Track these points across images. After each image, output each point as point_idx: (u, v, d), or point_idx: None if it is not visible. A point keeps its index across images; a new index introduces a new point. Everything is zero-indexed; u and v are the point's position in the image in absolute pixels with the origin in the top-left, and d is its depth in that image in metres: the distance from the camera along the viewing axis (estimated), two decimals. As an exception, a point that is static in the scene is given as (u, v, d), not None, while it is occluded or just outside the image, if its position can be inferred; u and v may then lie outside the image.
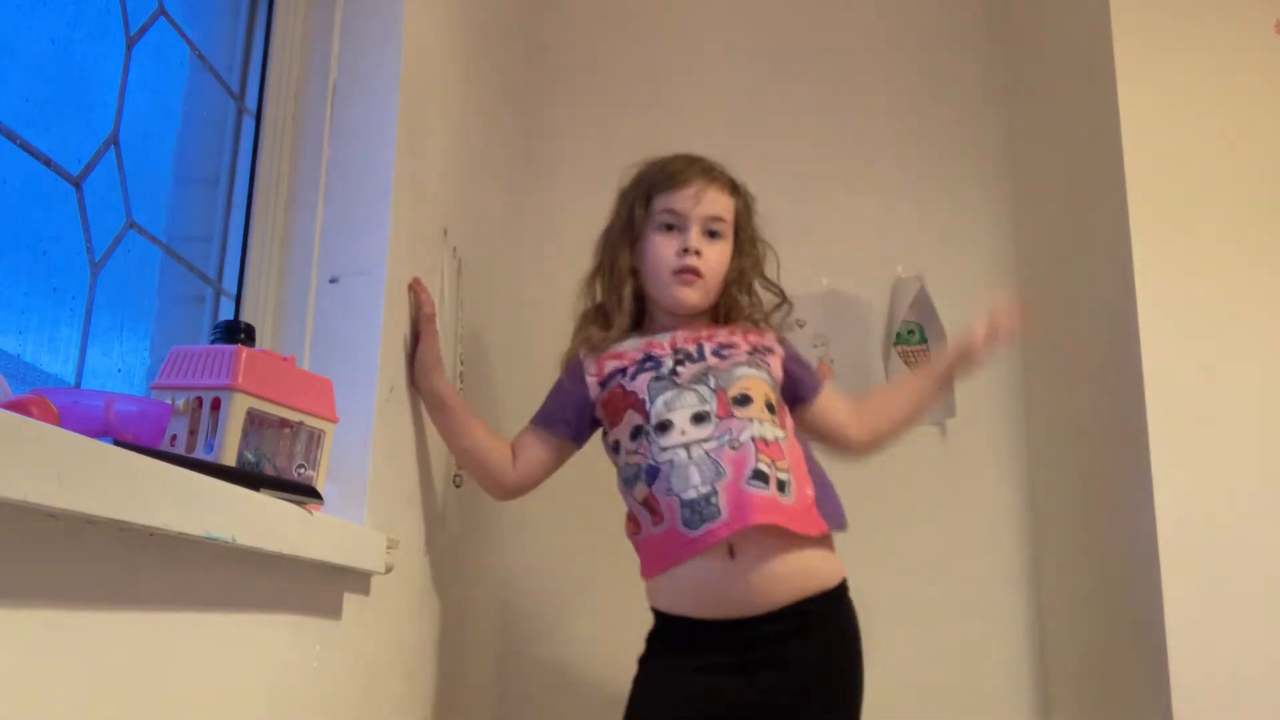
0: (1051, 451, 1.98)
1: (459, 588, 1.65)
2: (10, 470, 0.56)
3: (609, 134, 2.24)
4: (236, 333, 0.95)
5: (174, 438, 0.89)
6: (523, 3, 2.23)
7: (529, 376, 2.08)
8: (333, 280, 1.28)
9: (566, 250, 2.20)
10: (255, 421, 0.93)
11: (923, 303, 2.08)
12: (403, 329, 1.35)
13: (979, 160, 2.19)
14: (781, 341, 1.44)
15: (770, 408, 1.33)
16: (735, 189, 1.44)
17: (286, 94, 1.33)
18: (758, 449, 1.27)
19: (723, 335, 1.39)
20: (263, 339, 1.23)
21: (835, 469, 1.43)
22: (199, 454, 0.88)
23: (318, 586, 1.08)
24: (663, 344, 1.38)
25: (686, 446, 1.27)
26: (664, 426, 1.29)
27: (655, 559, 1.31)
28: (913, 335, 2.10)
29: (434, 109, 1.51)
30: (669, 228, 1.39)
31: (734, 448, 1.27)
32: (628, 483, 1.33)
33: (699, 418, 1.29)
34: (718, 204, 1.40)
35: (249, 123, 1.33)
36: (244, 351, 0.92)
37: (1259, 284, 1.64)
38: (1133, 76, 1.70)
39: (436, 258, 1.50)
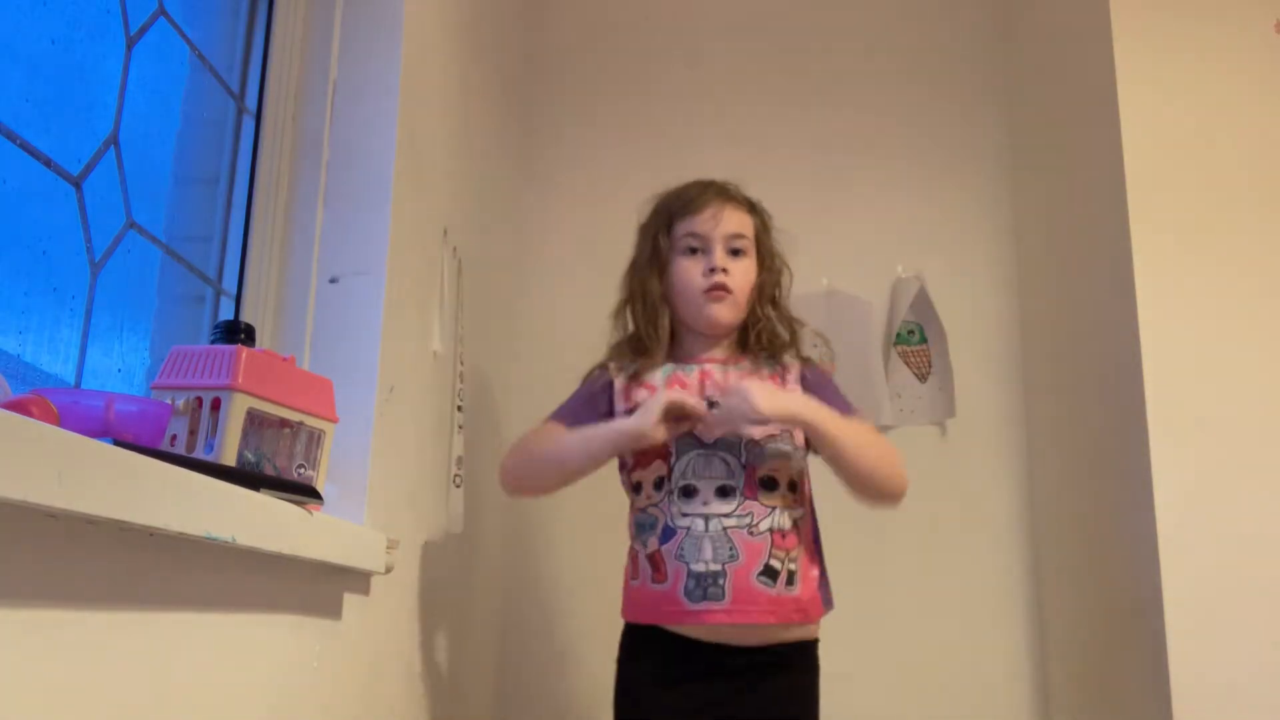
0: (1051, 451, 1.98)
1: (459, 588, 1.66)
2: (10, 470, 0.56)
3: (609, 134, 2.25)
4: (236, 333, 0.95)
5: (174, 438, 0.89)
6: (522, 3, 2.23)
7: (529, 376, 2.08)
8: (333, 280, 1.28)
9: (566, 250, 2.21)
10: (255, 421, 0.93)
11: (923, 303, 2.08)
12: (403, 329, 1.35)
13: (979, 160, 2.19)
14: (804, 379, 1.41)
15: (793, 487, 1.33)
16: (752, 207, 1.45)
17: (286, 94, 1.33)
18: (773, 542, 1.29)
19: (748, 370, 1.38)
20: (263, 339, 1.23)
21: (828, 473, 1.41)
22: (199, 454, 0.89)
23: (318, 586, 1.08)
24: (688, 381, 1.37)
25: (706, 518, 1.29)
26: (688, 492, 1.30)
27: (646, 612, 1.33)
28: (913, 335, 2.10)
29: (434, 109, 1.51)
30: (693, 250, 1.40)
31: (752, 534, 1.28)
32: (641, 529, 1.34)
33: (724, 491, 1.30)
34: (736, 222, 1.41)
35: (249, 123, 1.33)
36: (244, 351, 0.92)
37: (1259, 283, 1.64)
38: (1133, 76, 1.70)
39: (436, 258, 1.50)
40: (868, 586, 1.79)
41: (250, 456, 0.93)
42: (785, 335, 1.44)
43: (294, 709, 1.01)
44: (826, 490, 1.39)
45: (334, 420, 1.05)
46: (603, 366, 1.44)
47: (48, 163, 0.93)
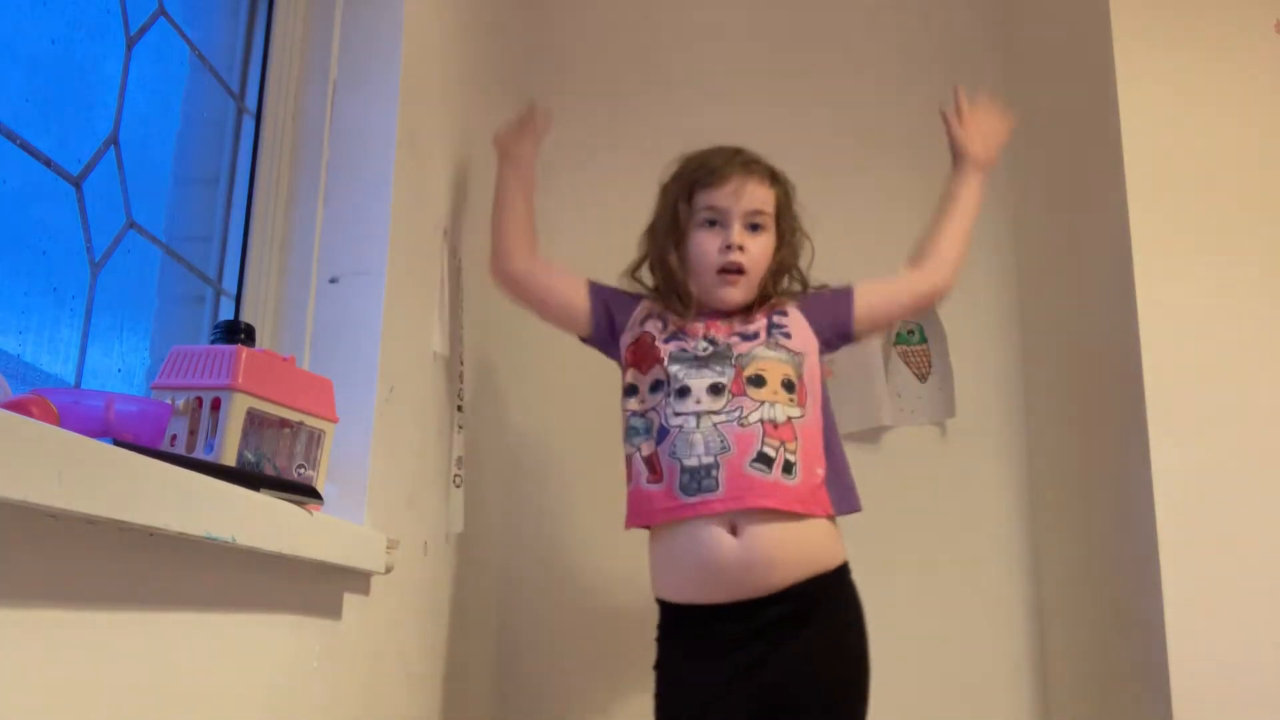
0: (1051, 451, 1.98)
1: (459, 588, 1.65)
2: (10, 470, 0.56)
3: (609, 133, 2.24)
4: (236, 333, 0.95)
5: (174, 438, 0.89)
6: (523, 3, 2.23)
7: (529, 376, 2.08)
8: (333, 280, 1.28)
9: (566, 250, 2.20)
10: (255, 421, 0.93)
11: (923, 303, 2.08)
12: (403, 329, 1.35)
13: (979, 160, 2.18)
14: (796, 298, 1.45)
15: (789, 386, 1.35)
16: (775, 178, 1.46)
17: (286, 94, 1.33)
18: (765, 431, 1.30)
19: (742, 322, 1.42)
20: (263, 339, 1.23)
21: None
22: (199, 454, 0.88)
23: (318, 586, 1.08)
24: (696, 329, 1.41)
25: (698, 415, 1.31)
26: (683, 392, 1.33)
27: (642, 513, 1.34)
28: (913, 335, 2.10)
29: (434, 109, 1.51)
30: (711, 223, 1.41)
31: (742, 425, 1.30)
32: (636, 433, 1.36)
33: (715, 389, 1.33)
34: (758, 196, 1.42)
35: (249, 123, 1.33)
36: (244, 351, 0.92)
37: (1259, 283, 1.64)
38: (1133, 76, 1.70)
39: (436, 258, 1.50)
40: (867, 586, 1.79)
41: (250, 456, 0.93)
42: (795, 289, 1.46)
43: (294, 709, 1.01)
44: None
45: (334, 420, 1.05)
46: (638, 298, 1.48)
47: (48, 163, 0.93)
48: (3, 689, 0.60)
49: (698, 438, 1.30)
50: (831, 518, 1.35)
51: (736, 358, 1.36)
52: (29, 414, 0.72)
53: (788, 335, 1.39)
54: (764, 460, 1.29)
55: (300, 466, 1.01)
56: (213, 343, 0.95)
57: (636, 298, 1.48)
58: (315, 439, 1.03)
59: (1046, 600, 1.97)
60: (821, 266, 2.12)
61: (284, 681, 1.00)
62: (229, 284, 1.27)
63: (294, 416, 0.98)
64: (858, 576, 1.38)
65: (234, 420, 0.90)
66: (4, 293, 0.89)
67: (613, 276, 2.20)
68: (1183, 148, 1.68)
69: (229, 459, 0.89)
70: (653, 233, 1.48)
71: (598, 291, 1.49)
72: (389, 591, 1.29)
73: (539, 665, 2.00)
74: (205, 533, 0.77)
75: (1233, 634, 1.51)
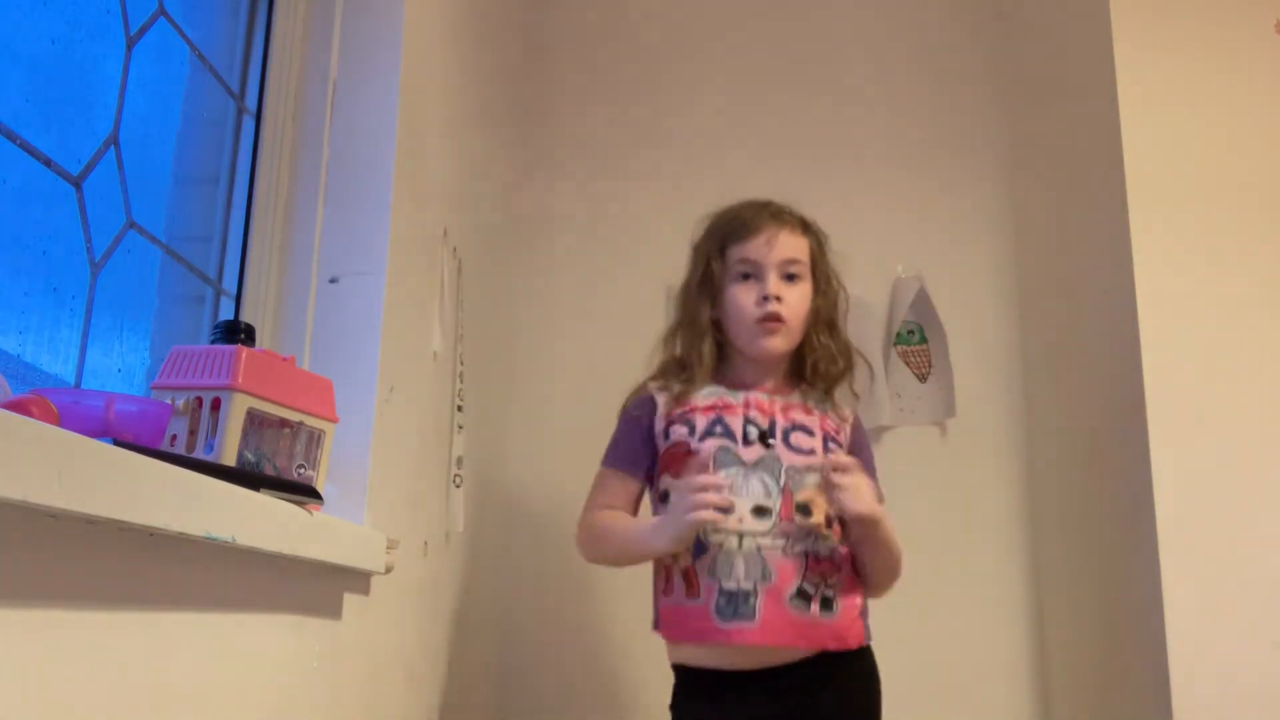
0: (1051, 452, 1.98)
1: (459, 588, 1.66)
2: (10, 470, 0.56)
3: (609, 133, 2.24)
4: (236, 333, 0.95)
5: (174, 438, 0.89)
6: (523, 3, 2.23)
7: (529, 376, 2.09)
8: (333, 280, 1.28)
9: (566, 250, 2.20)
10: (255, 421, 0.93)
11: (923, 303, 2.08)
12: (403, 329, 1.35)
13: (979, 160, 2.19)
14: (853, 441, 1.42)
15: (830, 522, 1.32)
16: (807, 228, 1.43)
17: (286, 94, 1.33)
18: (807, 565, 1.28)
19: (798, 411, 1.37)
20: (263, 339, 1.23)
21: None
22: (199, 454, 0.89)
23: (318, 586, 1.08)
24: (735, 406, 1.36)
25: (740, 536, 1.28)
26: (724, 509, 1.27)
27: (679, 629, 1.32)
28: (913, 335, 2.10)
29: (434, 109, 1.51)
30: (746, 276, 1.39)
31: (786, 555, 1.27)
32: None
33: (760, 511, 1.29)
34: (791, 246, 1.39)
35: (249, 123, 1.33)
36: (244, 351, 0.92)
37: (1259, 283, 1.64)
38: (1133, 76, 1.70)
39: (436, 258, 1.50)
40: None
41: (250, 456, 0.93)
42: (841, 365, 1.42)
43: (294, 709, 1.01)
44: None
45: (334, 420, 1.05)
46: (642, 387, 1.43)
47: (48, 163, 0.93)
48: (3, 689, 0.60)
49: (739, 560, 1.26)
50: (863, 645, 1.34)
51: (786, 474, 1.31)
52: (29, 414, 0.72)
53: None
54: (803, 596, 1.26)
55: (300, 466, 1.01)
56: (213, 343, 0.95)
57: (647, 402, 1.41)
58: (315, 439, 1.03)
59: (1046, 600, 1.97)
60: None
61: (284, 681, 1.00)
62: (229, 284, 1.27)
63: (294, 416, 0.98)
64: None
65: (234, 420, 0.90)
66: (4, 293, 0.89)
67: (612, 276, 2.21)
68: (1183, 148, 1.68)
69: (229, 459, 0.89)
70: (685, 292, 1.45)
71: (633, 460, 1.41)
72: (389, 591, 1.29)
73: (539, 665, 2.00)
74: (205, 533, 0.77)
75: (1233, 634, 1.51)
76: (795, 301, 1.38)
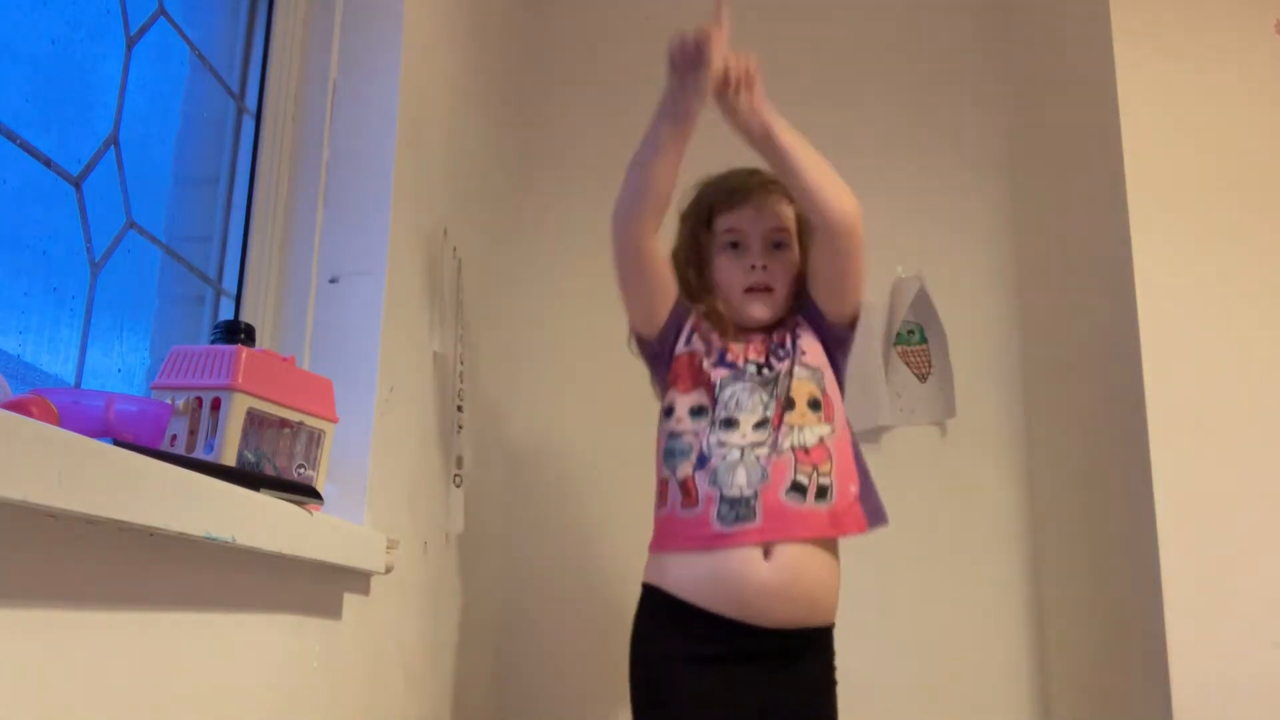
0: (1051, 451, 1.98)
1: (459, 588, 1.66)
2: (10, 470, 0.56)
3: (609, 132, 2.24)
4: (236, 333, 0.95)
5: (174, 438, 0.89)
6: (523, 2, 2.23)
7: (529, 376, 2.09)
8: (333, 280, 1.28)
9: (566, 249, 2.20)
10: (255, 421, 0.93)
11: (923, 303, 2.08)
12: (403, 329, 1.35)
13: (979, 160, 2.19)
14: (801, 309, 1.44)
15: (815, 404, 1.34)
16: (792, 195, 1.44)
17: (286, 94, 1.33)
18: (797, 458, 1.30)
19: (775, 338, 1.40)
20: (263, 339, 1.23)
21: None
22: (199, 454, 0.89)
23: (318, 586, 1.08)
24: (739, 352, 1.39)
25: (742, 449, 1.30)
26: (729, 423, 1.32)
27: (674, 538, 1.32)
28: (913, 335, 2.10)
29: (434, 109, 1.51)
30: (734, 245, 1.41)
31: (777, 453, 1.30)
32: (671, 456, 1.34)
33: (760, 424, 1.32)
34: (778, 214, 1.41)
35: (249, 123, 1.33)
36: (244, 351, 0.92)
37: (1259, 283, 1.64)
38: (1133, 76, 1.70)
39: (436, 258, 1.50)
40: (867, 586, 1.79)
41: (250, 456, 0.93)
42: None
43: (294, 709, 1.01)
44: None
45: (334, 420, 1.05)
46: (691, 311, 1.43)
47: (48, 163, 0.93)
48: (3, 689, 0.60)
49: (741, 470, 1.29)
50: (863, 531, 1.34)
51: (780, 384, 1.35)
52: (29, 414, 0.72)
53: (803, 352, 1.38)
54: (798, 489, 1.29)
55: (300, 466, 1.01)
56: (213, 343, 0.95)
57: (687, 309, 1.44)
58: (315, 439, 1.03)
59: (1046, 600, 1.97)
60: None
61: (284, 681, 1.00)
62: (229, 284, 1.27)
63: (294, 416, 0.98)
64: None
65: (234, 420, 0.90)
66: (4, 293, 0.90)
67: (613, 276, 2.20)
68: (1183, 148, 1.68)
69: (229, 459, 0.89)
70: (675, 259, 1.46)
71: (679, 303, 1.42)
72: (389, 591, 1.29)
73: (539, 665, 2.00)
74: (205, 533, 0.77)
75: (1233, 634, 1.51)
76: (781, 269, 1.40)
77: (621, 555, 2.03)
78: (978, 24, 2.25)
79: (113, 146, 1.04)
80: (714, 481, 1.29)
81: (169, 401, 0.90)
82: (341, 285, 1.28)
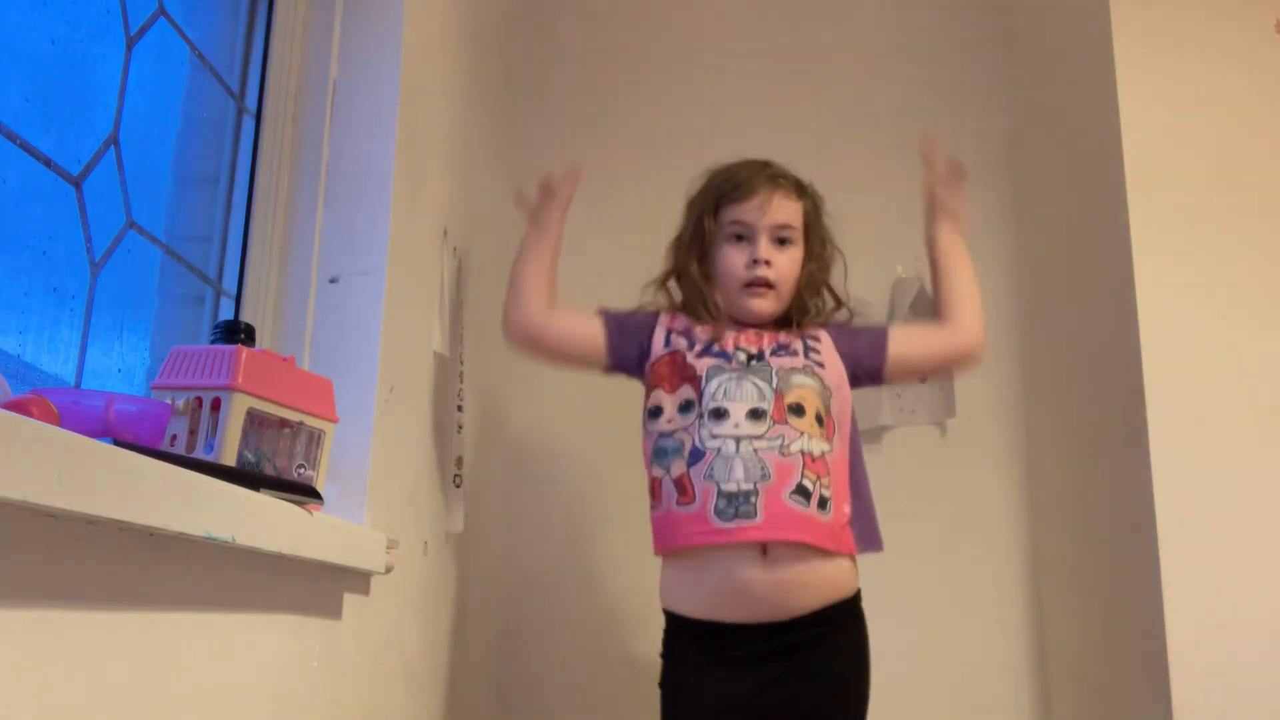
0: (1051, 451, 1.98)
1: (459, 588, 1.66)
2: (10, 470, 0.56)
3: (609, 132, 2.24)
4: (236, 333, 0.95)
5: (174, 438, 0.89)
6: (523, 2, 2.23)
7: (529, 376, 2.08)
8: (333, 280, 1.28)
9: (566, 249, 2.20)
10: (255, 421, 0.93)
11: (923, 303, 2.08)
12: (403, 329, 1.35)
13: (979, 161, 2.18)
14: (828, 326, 1.44)
15: (820, 420, 1.33)
16: (803, 191, 1.44)
17: (286, 94, 1.33)
18: (804, 463, 1.28)
19: (781, 336, 1.40)
20: (263, 339, 1.23)
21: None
22: (199, 454, 0.89)
23: (318, 586, 1.08)
24: (727, 339, 1.38)
25: (737, 439, 1.28)
26: (719, 414, 1.30)
27: (672, 537, 1.31)
28: (913, 335, 2.10)
29: (434, 108, 1.51)
30: (738, 238, 1.40)
31: (783, 454, 1.28)
32: (663, 454, 1.33)
33: (755, 414, 1.30)
34: (785, 210, 1.40)
35: (249, 123, 1.33)
36: (244, 351, 0.92)
37: (1259, 284, 1.64)
38: (1133, 76, 1.70)
39: (436, 258, 1.50)
40: (867, 586, 1.79)
41: (250, 456, 0.93)
42: (829, 309, 1.45)
43: (294, 709, 1.01)
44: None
45: (334, 420, 1.05)
46: (658, 313, 1.45)
47: (48, 163, 0.93)
48: (3, 689, 0.60)
49: (738, 462, 1.27)
50: (853, 557, 1.35)
51: (776, 376, 1.33)
52: (29, 414, 0.72)
53: (821, 365, 1.37)
54: (802, 493, 1.27)
55: (300, 466, 1.01)
56: (213, 343, 0.95)
57: (653, 315, 1.45)
58: (315, 439, 1.03)
59: (1046, 600, 1.97)
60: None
61: (284, 681, 1.00)
62: (229, 284, 1.27)
63: (294, 416, 0.98)
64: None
65: (234, 420, 0.90)
66: (4, 293, 0.90)
67: (612, 276, 2.21)
68: (1183, 147, 1.68)
69: (229, 459, 0.89)
70: (678, 246, 1.47)
71: (610, 319, 1.44)
72: (389, 591, 1.29)
73: (539, 665, 2.00)
74: (205, 533, 0.77)
75: (1233, 634, 1.51)
76: (785, 265, 1.40)
77: (621, 555, 2.03)
78: (978, 24, 2.25)
79: (113, 146, 1.04)
80: (710, 475, 1.27)
81: (169, 401, 0.90)
82: (341, 285, 1.28)
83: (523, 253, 1.49)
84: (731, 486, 1.26)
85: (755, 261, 1.37)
